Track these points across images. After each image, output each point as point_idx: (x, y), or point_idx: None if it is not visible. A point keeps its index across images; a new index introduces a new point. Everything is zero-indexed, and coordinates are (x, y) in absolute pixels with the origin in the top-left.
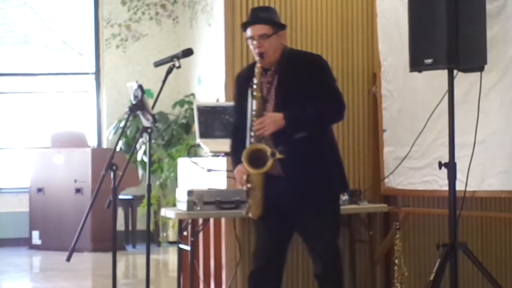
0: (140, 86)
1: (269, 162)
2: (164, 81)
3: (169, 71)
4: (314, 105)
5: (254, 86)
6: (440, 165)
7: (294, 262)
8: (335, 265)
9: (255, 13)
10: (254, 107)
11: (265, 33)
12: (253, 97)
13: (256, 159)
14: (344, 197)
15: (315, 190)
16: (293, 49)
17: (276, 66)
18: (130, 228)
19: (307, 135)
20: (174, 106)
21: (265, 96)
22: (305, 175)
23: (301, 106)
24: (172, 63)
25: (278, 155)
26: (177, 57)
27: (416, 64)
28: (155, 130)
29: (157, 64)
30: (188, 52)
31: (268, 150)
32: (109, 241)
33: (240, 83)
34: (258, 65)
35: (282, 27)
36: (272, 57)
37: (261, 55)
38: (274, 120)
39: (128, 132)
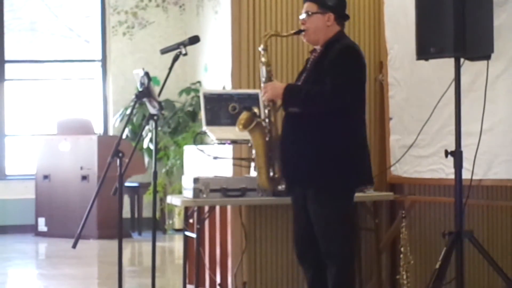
0: (146, 73)
1: (253, 123)
2: (170, 69)
3: (175, 59)
4: (313, 87)
5: (262, 52)
6: (447, 153)
7: None
8: (338, 272)
9: None
10: (264, 74)
11: (308, 10)
12: (261, 63)
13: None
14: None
15: (310, 174)
16: (346, 37)
17: (322, 48)
18: (136, 215)
19: (316, 117)
20: (180, 93)
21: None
22: (295, 157)
23: None
24: (178, 50)
25: (257, 119)
26: (183, 44)
27: (423, 52)
28: (161, 117)
29: (164, 51)
30: (194, 40)
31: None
32: (115, 228)
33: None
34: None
35: (330, 9)
36: (312, 36)
37: (300, 30)
38: (274, 87)
39: (134, 120)
